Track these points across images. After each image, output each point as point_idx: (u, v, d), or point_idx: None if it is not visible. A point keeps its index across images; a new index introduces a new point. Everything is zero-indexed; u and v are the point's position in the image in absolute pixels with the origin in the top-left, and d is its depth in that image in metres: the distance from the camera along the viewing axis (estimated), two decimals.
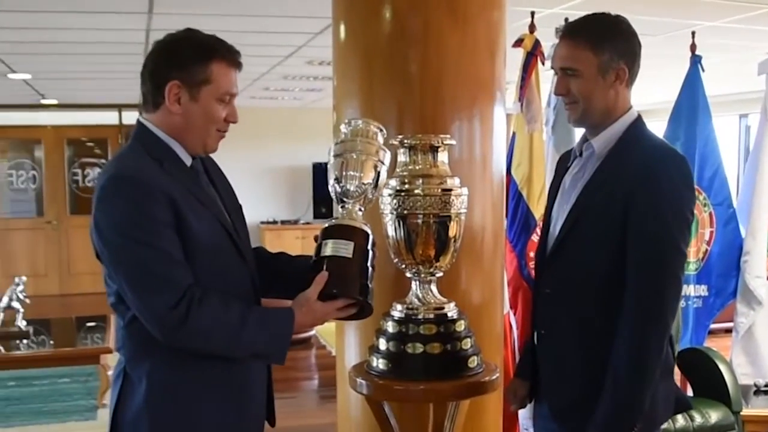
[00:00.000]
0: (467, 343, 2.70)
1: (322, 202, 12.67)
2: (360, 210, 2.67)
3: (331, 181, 2.67)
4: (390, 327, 2.71)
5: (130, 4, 5.50)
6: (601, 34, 2.51)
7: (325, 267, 2.51)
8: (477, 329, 2.86)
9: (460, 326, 2.71)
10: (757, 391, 5.12)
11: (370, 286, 2.58)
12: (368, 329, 3.00)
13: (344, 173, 2.63)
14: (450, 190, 2.67)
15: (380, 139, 2.70)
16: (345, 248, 2.53)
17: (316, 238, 2.63)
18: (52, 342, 7.30)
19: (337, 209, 2.70)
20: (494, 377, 2.73)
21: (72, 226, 13.01)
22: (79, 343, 7.21)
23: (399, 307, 2.73)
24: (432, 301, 2.73)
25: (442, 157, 2.73)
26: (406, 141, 2.72)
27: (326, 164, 3.80)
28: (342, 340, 3.74)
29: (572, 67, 2.50)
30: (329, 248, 2.54)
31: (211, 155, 2.65)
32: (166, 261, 2.28)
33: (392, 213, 2.67)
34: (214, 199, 2.52)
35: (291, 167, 13.24)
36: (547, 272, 2.67)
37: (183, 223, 2.32)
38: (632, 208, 2.39)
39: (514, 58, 4.73)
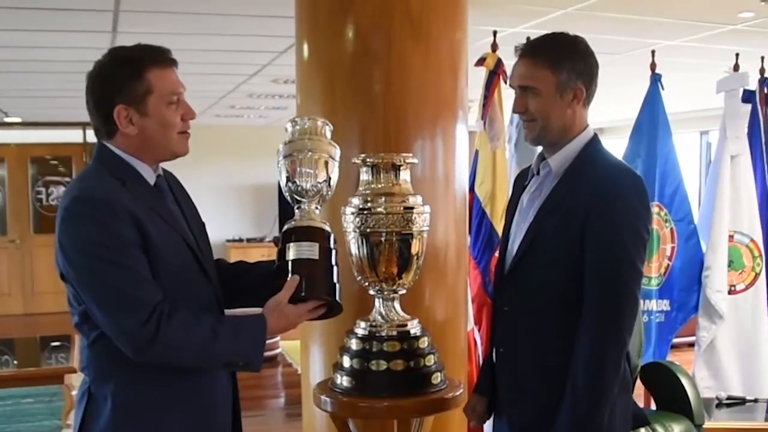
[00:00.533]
0: (430, 360, 2.72)
1: (288, 220, 12.63)
2: (317, 209, 2.66)
3: (283, 183, 2.66)
4: (353, 344, 2.72)
5: (94, 23, 5.50)
6: (560, 54, 2.53)
7: (291, 270, 2.50)
8: (441, 346, 2.88)
9: (423, 343, 2.73)
10: (719, 404, 5.17)
11: (337, 284, 2.57)
12: (333, 347, 3.01)
13: (298, 172, 2.62)
14: (412, 208, 2.69)
15: (328, 135, 2.70)
16: (310, 250, 2.53)
17: (276, 241, 2.62)
18: (15, 362, 7.23)
19: (295, 211, 2.67)
20: (458, 393, 2.75)
21: (36, 245, 12.90)
22: (43, 363, 7.14)
23: (362, 324, 2.75)
24: (395, 318, 2.75)
25: (404, 175, 2.75)
26: (368, 160, 2.74)
27: None
28: (307, 358, 3.75)
29: (531, 86, 2.52)
30: (293, 251, 2.54)
31: (175, 175, 2.66)
32: (134, 279, 2.28)
33: (355, 231, 2.69)
34: (178, 217, 2.52)
35: (256, 185, 13.23)
36: (506, 290, 2.69)
37: (147, 240, 2.31)
38: (589, 226, 2.42)
39: (477, 77, 4.79)
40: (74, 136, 12.74)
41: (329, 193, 2.69)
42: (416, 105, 3.48)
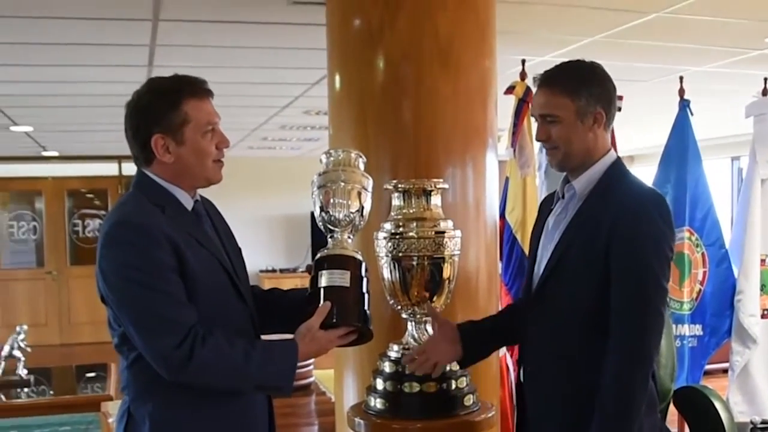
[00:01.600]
0: (463, 382, 2.77)
1: (321, 249, 12.67)
2: (349, 238, 2.71)
3: (317, 212, 2.72)
4: (387, 367, 2.78)
5: (131, 57, 5.62)
6: (577, 81, 2.57)
7: (322, 297, 2.56)
8: (473, 370, 2.92)
9: (455, 365, 2.77)
10: (754, 428, 5.14)
11: (368, 311, 2.62)
12: (366, 374, 3.06)
13: (331, 202, 2.67)
14: (443, 232, 2.76)
15: (361, 166, 2.75)
16: (341, 278, 2.58)
17: (309, 269, 2.68)
18: (52, 391, 7.30)
19: (328, 240, 2.73)
20: (490, 415, 2.79)
21: (72, 276, 13.06)
22: (80, 392, 7.21)
23: (395, 347, 2.80)
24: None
25: (435, 200, 2.81)
26: (399, 185, 2.81)
27: None
28: (341, 385, 3.80)
29: (551, 114, 2.57)
30: (325, 278, 2.59)
31: (213, 202, 2.73)
32: (169, 302, 2.35)
33: (387, 255, 2.75)
34: (215, 242, 2.59)
35: (289, 216, 13.32)
36: (533, 310, 2.70)
37: (184, 265, 2.38)
38: (613, 246, 2.45)
39: (507, 105, 4.86)
40: (110, 169, 12.93)
41: (362, 222, 2.73)
42: (447, 133, 3.54)
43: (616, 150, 5.33)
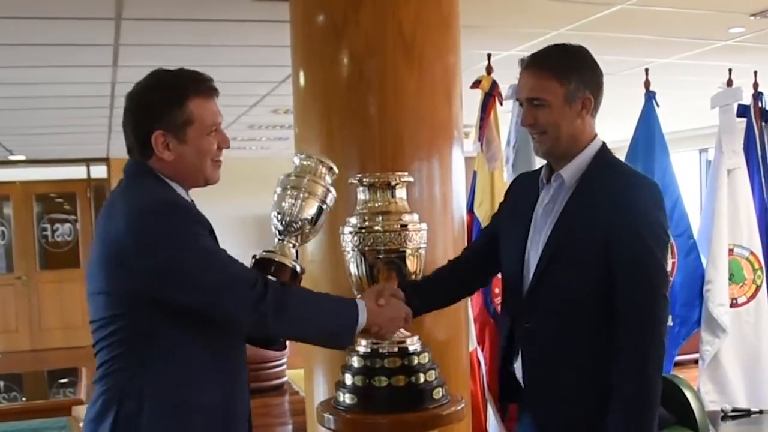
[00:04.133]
0: (431, 375, 2.76)
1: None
2: (294, 246, 2.67)
3: (272, 213, 2.69)
4: (355, 362, 2.76)
5: (95, 58, 5.58)
6: (566, 64, 2.52)
7: None
8: (442, 365, 2.91)
9: (424, 359, 2.77)
10: (725, 417, 5.16)
11: None
12: (335, 370, 3.04)
13: (285, 206, 2.64)
14: (408, 225, 2.74)
15: (328, 179, 2.71)
16: None
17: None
18: (24, 397, 7.24)
19: (275, 242, 2.70)
20: (460, 408, 2.78)
21: (42, 281, 12.96)
22: (51, 397, 7.14)
23: (363, 342, 2.78)
24: (395, 335, 2.79)
25: (401, 193, 2.80)
26: (364, 179, 2.79)
27: None
28: (311, 383, 3.79)
29: (540, 97, 2.51)
30: None
31: None
32: (228, 256, 2.35)
33: (354, 250, 2.74)
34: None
35: (260, 216, 13.23)
36: (527, 305, 2.62)
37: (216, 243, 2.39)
38: (615, 237, 2.41)
39: (474, 100, 4.86)
40: (78, 172, 12.85)
41: (310, 234, 2.70)
42: (412, 128, 3.53)
43: None
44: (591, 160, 2.56)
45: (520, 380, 2.69)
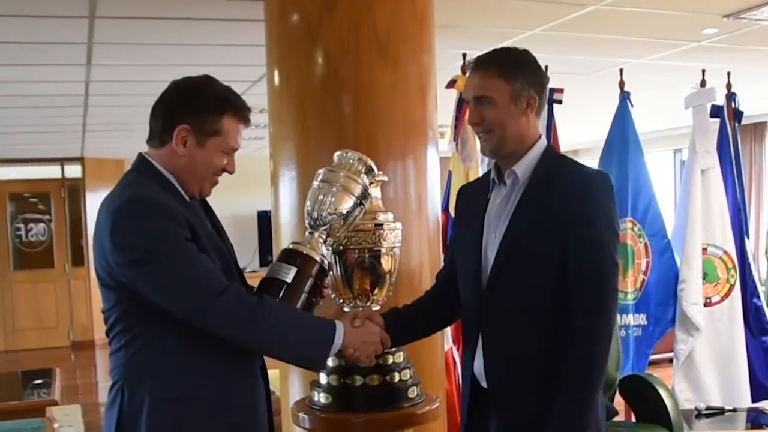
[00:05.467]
0: (406, 374, 2.77)
1: (267, 250, 12.62)
2: (320, 239, 2.65)
3: (306, 205, 2.68)
4: (330, 361, 2.75)
5: (69, 56, 5.54)
6: (512, 64, 2.58)
7: (258, 286, 2.53)
8: (417, 364, 2.91)
9: (399, 358, 2.77)
10: (699, 415, 5.21)
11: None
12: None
13: (319, 200, 2.63)
14: (382, 224, 2.75)
15: (365, 178, 2.70)
16: (285, 272, 2.54)
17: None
18: None
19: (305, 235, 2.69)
20: (435, 407, 2.79)
21: (16, 281, 12.81)
22: (25, 398, 7.10)
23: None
24: (371, 360, 2.76)
25: (375, 192, 2.80)
26: None
27: (270, 212, 3.89)
28: (286, 382, 3.79)
29: (486, 95, 2.55)
30: (270, 269, 2.57)
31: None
32: (200, 262, 2.34)
33: (328, 249, 2.74)
34: (212, 232, 2.57)
35: (236, 216, 13.20)
36: (486, 300, 2.63)
37: (198, 244, 2.38)
38: (568, 230, 2.45)
39: (449, 100, 4.87)
40: (53, 172, 12.74)
41: (340, 230, 2.67)
42: (386, 128, 3.54)
43: (558, 145, 5.43)
44: (540, 157, 2.61)
45: (481, 380, 2.69)
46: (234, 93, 2.53)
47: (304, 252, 2.58)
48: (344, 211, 2.63)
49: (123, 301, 2.39)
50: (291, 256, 2.58)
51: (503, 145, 2.59)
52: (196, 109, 2.44)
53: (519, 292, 2.56)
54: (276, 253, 3.80)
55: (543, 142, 2.64)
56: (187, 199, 2.52)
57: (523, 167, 2.60)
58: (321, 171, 2.71)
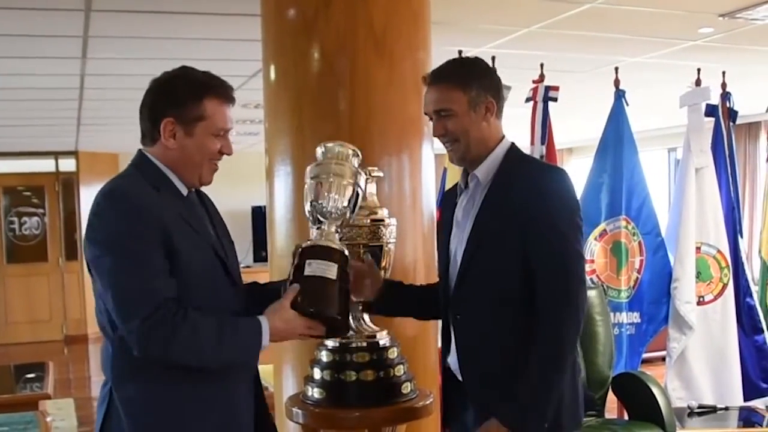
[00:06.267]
0: (400, 370, 2.78)
1: (262, 246, 12.58)
2: (337, 232, 2.67)
3: (307, 203, 2.68)
4: (324, 356, 2.77)
5: (64, 49, 5.53)
6: (465, 74, 2.65)
7: (305, 285, 2.51)
8: (411, 360, 2.92)
9: (393, 353, 2.78)
10: (691, 413, 5.23)
11: (348, 306, 2.60)
12: (304, 365, 3.04)
13: (324, 194, 2.63)
14: (379, 220, 2.75)
15: (356, 163, 2.72)
16: (329, 269, 2.54)
17: (293, 257, 2.62)
18: None
19: (312, 231, 2.69)
20: (428, 402, 2.80)
21: (9, 275, 12.76)
22: (18, 392, 7.09)
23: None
24: (364, 329, 2.80)
25: (370, 188, 2.81)
26: None
27: (265, 208, 3.89)
28: (280, 378, 3.79)
29: (445, 108, 2.63)
30: (310, 268, 2.54)
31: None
32: (147, 274, 2.32)
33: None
34: (208, 229, 2.58)
35: (231, 211, 13.14)
36: (456, 298, 2.71)
37: (173, 247, 2.36)
38: (529, 223, 2.52)
39: None
40: (47, 165, 12.70)
41: (352, 217, 2.70)
42: (381, 123, 3.54)
43: (553, 142, 5.44)
44: (502, 157, 2.68)
45: (456, 374, 2.74)
46: (212, 76, 2.52)
47: (337, 248, 2.60)
48: (353, 201, 2.65)
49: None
50: (328, 253, 2.58)
51: (468, 151, 2.67)
52: (175, 99, 2.45)
53: (485, 290, 2.62)
54: (271, 248, 3.84)
55: (506, 143, 2.71)
56: (184, 193, 2.53)
57: (484, 170, 2.68)
58: (315, 166, 2.70)
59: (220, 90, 2.50)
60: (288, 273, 2.62)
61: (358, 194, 2.67)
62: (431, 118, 2.70)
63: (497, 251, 2.58)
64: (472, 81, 2.62)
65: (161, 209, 2.38)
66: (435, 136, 2.71)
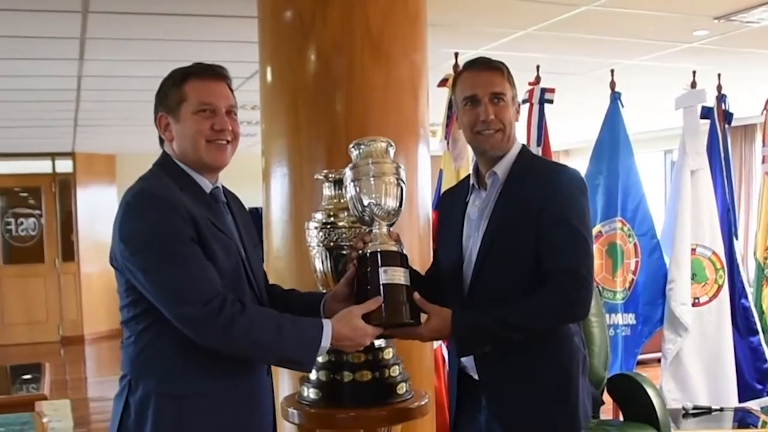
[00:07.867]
0: (396, 370, 2.78)
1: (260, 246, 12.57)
2: (387, 232, 2.65)
3: (352, 205, 2.64)
4: (320, 357, 2.77)
5: (61, 50, 5.54)
6: (509, 73, 2.72)
7: (383, 294, 2.50)
8: (407, 361, 2.92)
9: (388, 354, 2.78)
10: (686, 414, 5.25)
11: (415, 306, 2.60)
12: None
13: (373, 196, 2.60)
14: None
15: (391, 153, 2.71)
16: (399, 275, 2.54)
17: (354, 261, 2.62)
18: None
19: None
20: (423, 403, 2.79)
21: (6, 276, 12.75)
22: (14, 392, 7.08)
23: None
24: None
25: None
26: (330, 175, 2.81)
27: (261, 209, 3.89)
28: (276, 378, 3.78)
29: (501, 93, 2.66)
30: (387, 276, 2.53)
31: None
32: (199, 264, 2.34)
33: (319, 245, 2.75)
34: (231, 228, 2.56)
35: None
36: (471, 298, 2.70)
37: (203, 241, 2.38)
38: (543, 217, 2.56)
39: (441, 98, 4.88)
40: (43, 166, 12.69)
41: (399, 214, 2.69)
42: (378, 125, 3.54)
43: (549, 144, 5.46)
44: (516, 156, 2.73)
45: (471, 373, 2.76)
46: (197, 64, 2.53)
47: (402, 252, 2.61)
48: (396, 196, 2.64)
49: (125, 291, 2.43)
50: (397, 258, 2.58)
51: (505, 143, 2.71)
52: (162, 95, 2.51)
53: (502, 286, 2.64)
54: (267, 250, 3.84)
55: (519, 144, 2.76)
56: (207, 189, 2.53)
57: (503, 168, 2.71)
58: (352, 168, 2.66)
59: (200, 72, 2.50)
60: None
61: (403, 189, 2.66)
62: (469, 104, 2.67)
63: (512, 251, 2.61)
64: (512, 79, 2.72)
65: (189, 205, 2.39)
66: (483, 119, 2.65)
